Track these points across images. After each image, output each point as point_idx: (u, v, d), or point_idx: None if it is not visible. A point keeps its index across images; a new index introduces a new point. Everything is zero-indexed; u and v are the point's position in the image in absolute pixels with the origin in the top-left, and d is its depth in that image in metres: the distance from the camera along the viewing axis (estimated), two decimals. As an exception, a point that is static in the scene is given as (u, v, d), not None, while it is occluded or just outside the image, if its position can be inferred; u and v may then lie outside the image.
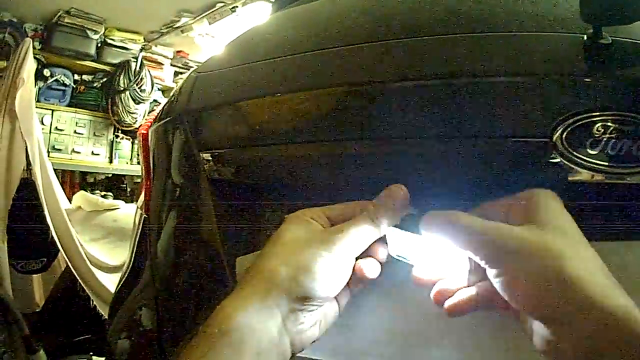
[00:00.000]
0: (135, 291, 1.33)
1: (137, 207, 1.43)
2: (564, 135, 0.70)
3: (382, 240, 0.75)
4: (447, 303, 0.70)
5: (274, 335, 0.67)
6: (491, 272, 0.64)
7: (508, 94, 0.74)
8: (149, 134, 1.25)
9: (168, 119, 1.10)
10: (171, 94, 1.21)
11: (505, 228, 0.64)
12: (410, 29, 0.88)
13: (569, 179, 0.71)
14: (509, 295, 0.62)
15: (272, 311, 0.67)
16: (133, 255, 1.40)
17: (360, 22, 0.96)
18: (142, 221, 1.31)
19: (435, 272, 0.72)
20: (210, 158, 0.95)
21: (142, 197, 1.35)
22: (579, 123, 0.69)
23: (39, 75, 5.54)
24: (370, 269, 0.74)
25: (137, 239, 1.36)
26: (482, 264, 0.64)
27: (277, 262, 0.70)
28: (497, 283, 0.63)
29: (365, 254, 0.75)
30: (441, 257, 0.71)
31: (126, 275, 1.45)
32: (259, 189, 0.93)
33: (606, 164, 0.69)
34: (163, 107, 1.21)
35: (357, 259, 0.74)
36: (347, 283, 0.74)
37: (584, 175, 0.70)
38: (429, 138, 0.77)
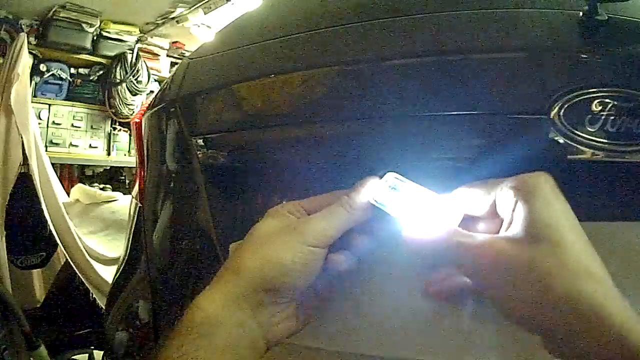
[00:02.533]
0: (132, 283, 1.33)
1: (132, 197, 1.43)
2: (561, 112, 0.69)
3: (358, 231, 0.75)
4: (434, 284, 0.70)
5: (244, 327, 0.69)
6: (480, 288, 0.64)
7: (505, 71, 0.73)
8: (142, 122, 1.24)
9: (160, 105, 1.09)
10: (164, 81, 1.21)
11: (485, 244, 0.62)
12: (405, 6, 0.87)
13: (568, 156, 0.70)
14: (501, 312, 0.62)
15: (240, 304, 0.69)
16: (129, 245, 1.39)
17: (353, 2, 0.95)
18: (137, 211, 1.30)
19: (421, 228, 0.69)
20: (203, 143, 0.95)
21: (137, 186, 1.34)
22: (577, 99, 0.69)
23: (35, 70, 5.54)
24: (342, 261, 0.74)
25: (132, 229, 1.35)
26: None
27: (245, 255, 0.72)
28: (487, 297, 0.63)
29: (341, 245, 0.74)
30: (425, 208, 0.70)
31: (122, 267, 1.44)
32: (252, 173, 0.92)
33: (605, 141, 0.68)
34: (156, 95, 1.21)
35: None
36: (325, 276, 0.74)
37: (582, 152, 0.69)
38: (422, 116, 0.76)
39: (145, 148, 1.24)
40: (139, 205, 1.27)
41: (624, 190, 0.73)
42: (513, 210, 0.62)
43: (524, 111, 0.71)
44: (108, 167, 6.48)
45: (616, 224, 0.73)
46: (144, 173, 1.24)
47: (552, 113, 0.69)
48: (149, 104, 1.21)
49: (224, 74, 0.97)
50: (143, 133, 1.24)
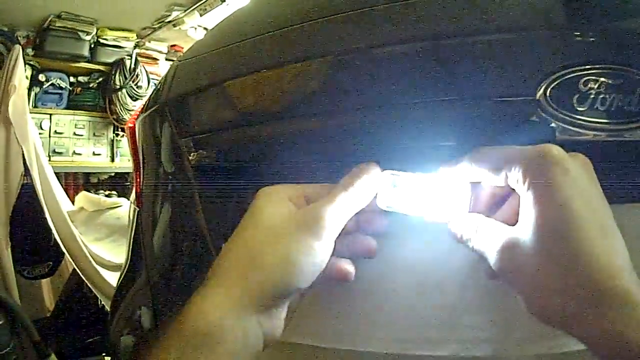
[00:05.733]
0: (133, 289, 1.33)
1: (130, 202, 1.43)
2: (547, 92, 0.68)
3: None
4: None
5: (249, 333, 0.65)
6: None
7: (487, 54, 0.72)
8: (136, 126, 1.24)
9: (151, 110, 1.09)
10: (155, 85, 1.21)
11: (502, 236, 0.63)
12: None
13: (557, 137, 0.68)
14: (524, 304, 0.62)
15: (248, 309, 0.65)
16: (130, 250, 1.39)
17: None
18: (135, 215, 1.30)
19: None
20: (193, 144, 0.94)
21: (134, 191, 1.35)
22: (563, 79, 0.67)
23: (34, 81, 5.56)
24: (348, 271, 0.72)
25: (132, 234, 1.35)
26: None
27: (253, 252, 0.67)
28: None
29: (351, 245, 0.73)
30: (437, 198, 0.70)
31: (125, 272, 1.44)
32: (243, 172, 0.91)
33: (596, 120, 0.67)
34: (147, 99, 1.21)
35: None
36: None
37: (572, 133, 0.68)
38: (409, 104, 0.75)
39: (140, 152, 1.23)
40: (137, 209, 1.27)
41: (617, 171, 0.72)
42: (526, 191, 0.61)
43: (508, 94, 0.70)
44: (113, 174, 6.48)
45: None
46: (139, 177, 1.24)
47: (538, 94, 0.68)
48: (141, 109, 1.21)
49: (210, 74, 0.96)
50: (137, 137, 1.24)
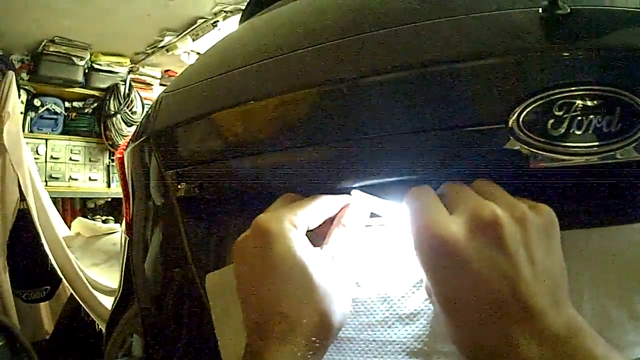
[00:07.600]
0: (125, 316, 1.34)
1: (122, 231, 1.44)
2: (520, 119, 0.66)
3: None
4: None
5: None
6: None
7: (456, 82, 0.71)
8: (124, 157, 1.25)
9: (137, 141, 1.09)
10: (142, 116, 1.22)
11: None
12: (358, 25, 0.84)
13: (531, 165, 0.67)
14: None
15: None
16: (122, 278, 1.40)
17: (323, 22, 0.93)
18: (126, 244, 1.31)
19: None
20: (177, 176, 0.95)
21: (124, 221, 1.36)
22: (537, 104, 0.66)
23: (29, 106, 5.59)
24: None
25: (124, 262, 1.36)
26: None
27: (303, 309, 0.64)
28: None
29: None
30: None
31: (118, 299, 1.45)
32: (226, 204, 0.92)
33: (574, 144, 0.65)
34: (135, 130, 1.21)
35: None
36: None
37: (547, 159, 0.66)
38: (379, 136, 0.75)
39: (129, 182, 1.24)
40: (127, 238, 1.27)
41: (597, 195, 0.73)
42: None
43: (479, 122, 0.69)
44: (109, 199, 6.47)
45: (584, 230, 0.71)
46: (130, 207, 1.24)
47: (511, 121, 0.66)
48: (129, 139, 1.22)
49: (194, 106, 0.97)
50: (126, 167, 1.24)
